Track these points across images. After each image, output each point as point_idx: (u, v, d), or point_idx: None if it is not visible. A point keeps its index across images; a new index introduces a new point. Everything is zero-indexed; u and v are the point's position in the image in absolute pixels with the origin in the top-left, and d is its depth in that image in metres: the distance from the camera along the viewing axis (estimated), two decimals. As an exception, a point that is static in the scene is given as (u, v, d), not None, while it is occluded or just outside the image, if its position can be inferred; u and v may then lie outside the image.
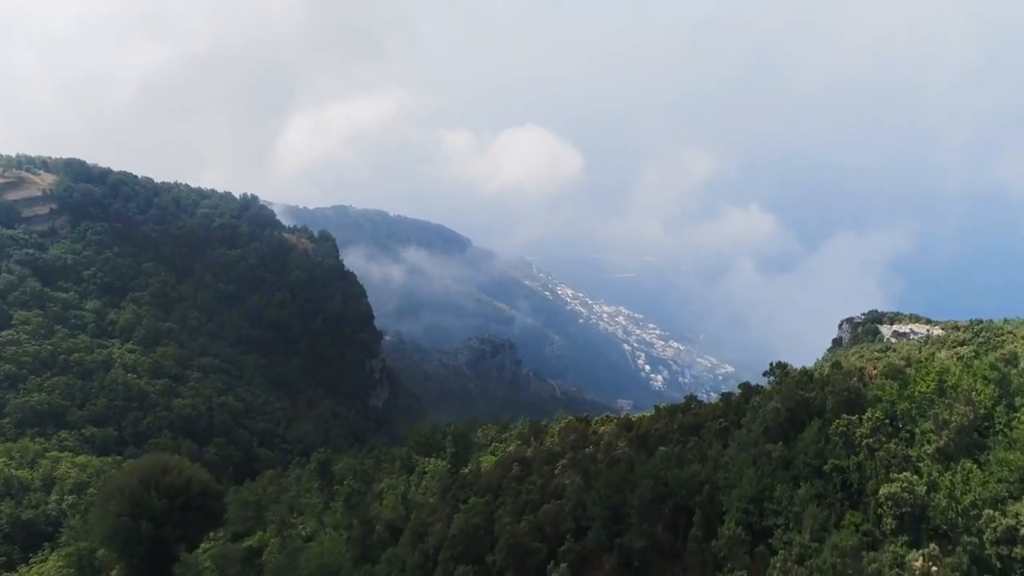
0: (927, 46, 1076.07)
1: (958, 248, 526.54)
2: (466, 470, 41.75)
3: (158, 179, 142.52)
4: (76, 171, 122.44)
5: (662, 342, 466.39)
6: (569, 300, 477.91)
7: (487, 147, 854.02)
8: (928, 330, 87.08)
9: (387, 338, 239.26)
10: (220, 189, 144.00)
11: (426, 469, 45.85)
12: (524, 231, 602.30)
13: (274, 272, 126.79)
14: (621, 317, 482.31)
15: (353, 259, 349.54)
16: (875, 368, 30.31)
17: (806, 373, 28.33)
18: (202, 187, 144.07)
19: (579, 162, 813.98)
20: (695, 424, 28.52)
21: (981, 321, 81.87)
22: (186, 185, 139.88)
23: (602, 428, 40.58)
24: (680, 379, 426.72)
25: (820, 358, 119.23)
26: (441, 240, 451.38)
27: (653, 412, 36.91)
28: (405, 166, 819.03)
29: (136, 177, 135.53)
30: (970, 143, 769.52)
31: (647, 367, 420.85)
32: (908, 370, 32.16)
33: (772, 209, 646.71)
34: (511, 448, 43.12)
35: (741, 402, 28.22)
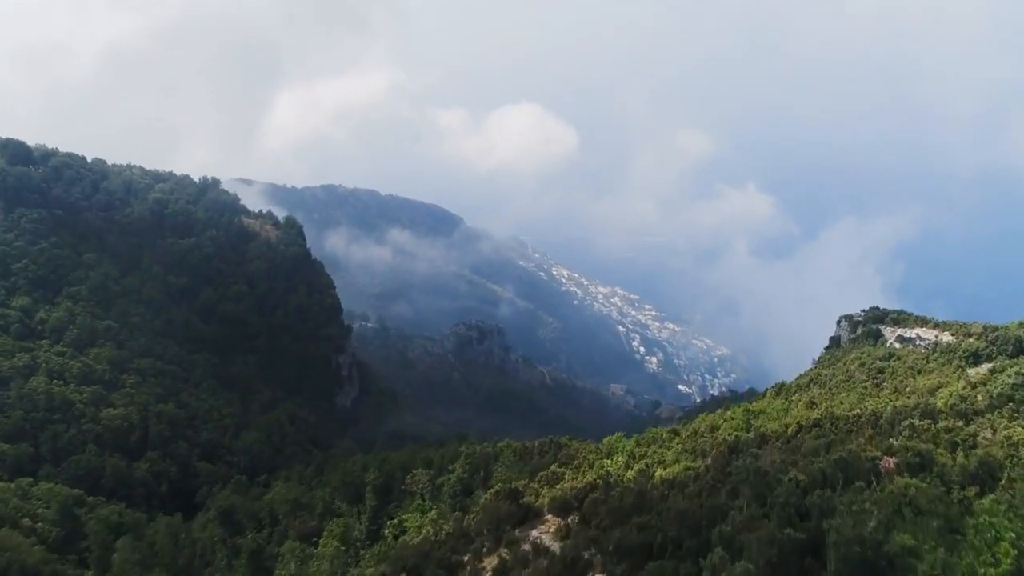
0: (932, 17, 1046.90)
1: (962, 232, 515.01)
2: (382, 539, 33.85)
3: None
4: (14, 152, 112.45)
5: (657, 323, 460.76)
6: (564, 281, 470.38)
7: (481, 125, 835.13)
8: (936, 336, 78.41)
9: (369, 325, 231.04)
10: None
11: (322, 548, 37.53)
12: (519, 210, 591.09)
13: (232, 263, 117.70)
14: (617, 298, 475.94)
15: (342, 240, 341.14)
16: (893, 457, 21.69)
17: (798, 486, 19.66)
18: (159, 169, 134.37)
19: (575, 141, 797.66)
20: (640, 547, 19.98)
21: (996, 328, 73.72)
22: (140, 168, 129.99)
23: (539, 499, 32.20)
24: (675, 361, 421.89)
25: (817, 358, 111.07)
26: (433, 219, 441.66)
27: (600, 490, 28.40)
28: (397, 144, 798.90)
29: (85, 159, 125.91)
30: (977, 120, 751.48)
31: (642, 349, 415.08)
32: (938, 452, 23.65)
33: (770, 189, 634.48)
34: (429, 519, 34.81)
35: (704, 518, 19.66)
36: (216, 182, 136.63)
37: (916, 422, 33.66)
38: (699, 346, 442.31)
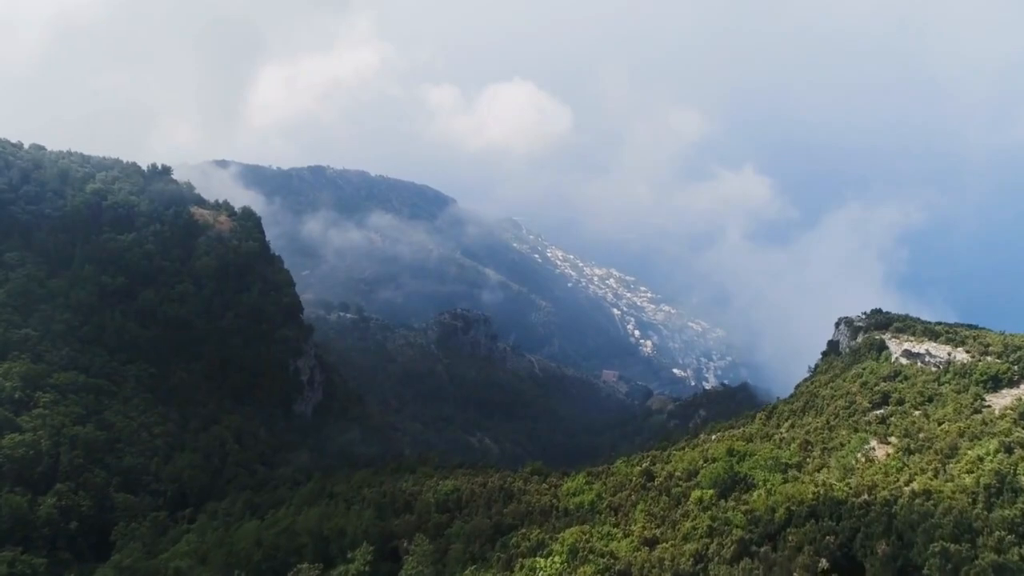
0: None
1: (972, 218, 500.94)
2: None
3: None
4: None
5: (653, 306, 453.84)
6: (559, 263, 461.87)
7: (473, 103, 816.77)
8: (949, 353, 68.99)
9: (348, 316, 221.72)
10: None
11: None
12: (512, 191, 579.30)
13: (177, 260, 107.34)
14: (612, 280, 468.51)
15: (328, 223, 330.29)
16: None
17: None
18: (104, 156, 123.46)
19: (569, 119, 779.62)
20: None
21: (1019, 345, 64.73)
22: (80, 154, 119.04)
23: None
24: (670, 344, 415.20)
25: (814, 366, 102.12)
26: (424, 201, 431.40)
27: None
28: (387, 123, 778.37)
29: (21, 146, 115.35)
30: (991, 100, 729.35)
31: (637, 332, 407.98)
32: None
33: (768, 171, 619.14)
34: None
35: None
36: (167, 169, 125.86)
37: (949, 547, 24.44)
38: (695, 329, 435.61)
